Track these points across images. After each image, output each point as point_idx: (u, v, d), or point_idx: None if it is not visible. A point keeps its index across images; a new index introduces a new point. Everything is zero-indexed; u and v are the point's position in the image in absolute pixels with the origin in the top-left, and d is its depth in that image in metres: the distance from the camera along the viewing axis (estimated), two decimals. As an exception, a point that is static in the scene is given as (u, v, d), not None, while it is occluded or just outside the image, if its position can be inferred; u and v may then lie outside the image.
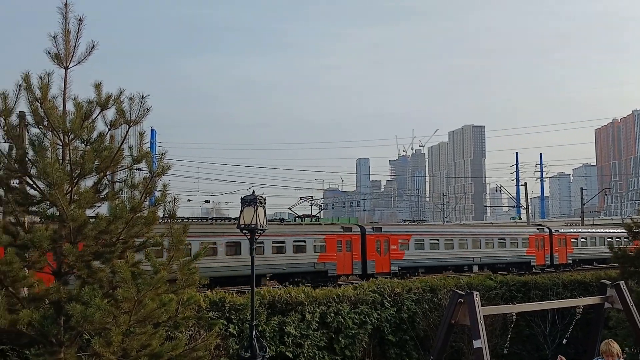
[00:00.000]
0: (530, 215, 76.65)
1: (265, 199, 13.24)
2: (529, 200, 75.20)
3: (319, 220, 42.57)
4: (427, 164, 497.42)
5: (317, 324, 17.35)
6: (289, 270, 31.95)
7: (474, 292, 11.17)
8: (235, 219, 40.94)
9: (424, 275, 32.32)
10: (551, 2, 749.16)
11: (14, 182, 9.50)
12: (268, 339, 15.99)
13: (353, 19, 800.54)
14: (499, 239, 42.59)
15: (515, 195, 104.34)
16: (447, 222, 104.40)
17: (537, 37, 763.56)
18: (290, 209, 56.13)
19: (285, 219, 45.85)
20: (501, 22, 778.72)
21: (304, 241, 33.06)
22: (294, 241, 32.60)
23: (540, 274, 31.78)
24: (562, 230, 48.51)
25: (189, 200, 73.86)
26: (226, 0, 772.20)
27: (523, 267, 41.94)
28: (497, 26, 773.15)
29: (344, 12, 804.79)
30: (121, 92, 9.46)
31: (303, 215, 42.78)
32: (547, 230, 45.99)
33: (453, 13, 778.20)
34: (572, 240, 47.04)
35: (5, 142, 9.30)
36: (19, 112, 9.34)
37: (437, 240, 39.52)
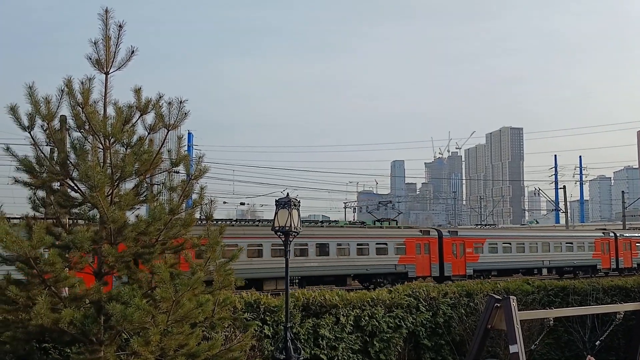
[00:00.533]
0: (569, 219, 75.14)
1: (299, 202, 13.34)
2: (567, 203, 73.75)
3: (397, 224, 43.79)
4: (463, 166, 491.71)
5: (351, 327, 17.32)
6: (372, 271, 33.12)
7: (511, 296, 11.08)
8: (329, 221, 42.13)
9: (496, 278, 32.69)
10: (594, 2, 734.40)
11: (56, 185, 9.77)
12: (302, 341, 16.04)
13: (387, 19, 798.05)
14: (567, 243, 43.28)
15: (554, 198, 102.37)
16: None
17: (578, 37, 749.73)
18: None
19: (362, 222, 46.70)
20: (539, 22, 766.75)
21: (386, 244, 34.19)
22: (377, 244, 33.64)
23: (580, 279, 31.30)
24: (627, 234, 49.30)
25: (224, 203, 74.89)
26: (265, 4, 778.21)
27: (589, 271, 42.52)
28: (535, 26, 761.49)
29: (378, 11, 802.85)
30: (160, 97, 9.67)
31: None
32: (613, 234, 46.53)
33: (490, 13, 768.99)
34: (637, 244, 47.69)
35: (47, 145, 9.56)
36: (61, 116, 9.58)
37: (510, 244, 40.54)
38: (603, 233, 47.32)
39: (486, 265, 38.44)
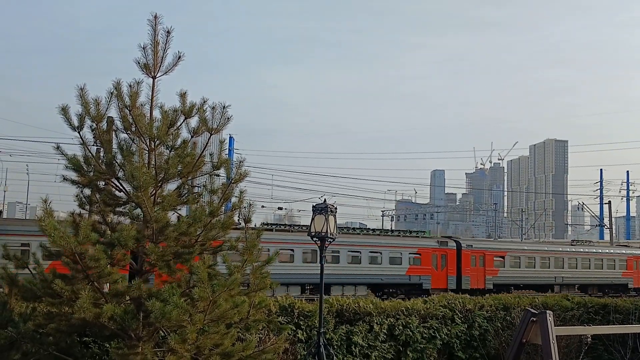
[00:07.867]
0: (614, 235, 73.25)
1: (336, 208, 13.41)
2: (612, 219, 71.84)
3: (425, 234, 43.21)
4: (505, 178, 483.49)
5: (385, 336, 17.28)
6: (385, 281, 32.57)
7: (547, 311, 10.94)
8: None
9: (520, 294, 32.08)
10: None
11: (101, 184, 10.11)
12: (335, 347, 16.08)
13: (432, 29, 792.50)
14: (595, 260, 41.73)
15: (598, 213, 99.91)
16: (525, 239, 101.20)
17: (629, 49, 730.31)
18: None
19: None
20: (588, 33, 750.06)
21: (400, 253, 33.42)
22: (390, 253, 33.01)
23: (623, 297, 30.52)
24: None
25: (262, 207, 75.46)
26: (308, 14, 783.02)
27: (620, 289, 40.91)
28: (584, 37, 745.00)
29: (422, 22, 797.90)
30: (204, 102, 9.92)
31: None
32: None
33: (537, 24, 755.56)
34: None
35: (94, 145, 9.90)
36: (108, 117, 9.91)
37: (534, 258, 39.08)
38: (636, 250, 45.90)
39: (507, 280, 37.28)
